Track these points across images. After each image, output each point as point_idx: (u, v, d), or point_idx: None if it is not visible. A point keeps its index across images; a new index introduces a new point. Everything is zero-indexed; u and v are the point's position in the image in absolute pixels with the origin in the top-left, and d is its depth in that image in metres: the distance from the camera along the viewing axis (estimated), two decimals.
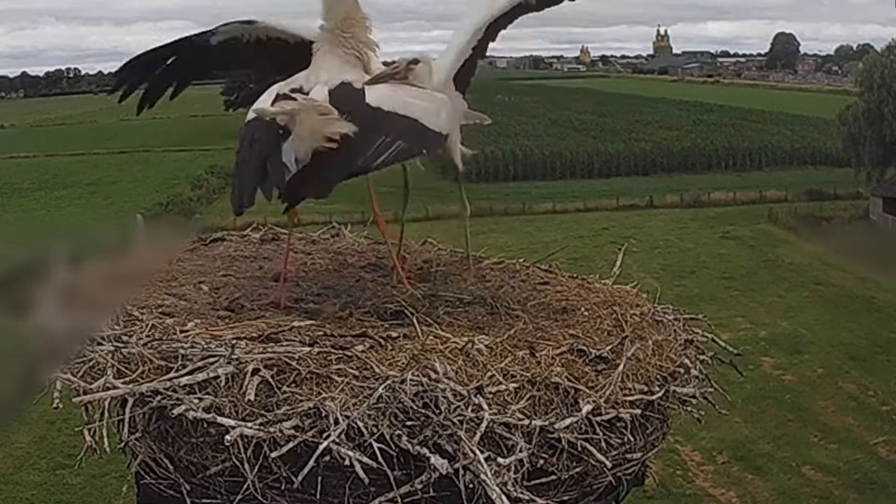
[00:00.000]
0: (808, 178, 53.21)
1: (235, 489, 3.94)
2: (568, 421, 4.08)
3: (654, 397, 4.53)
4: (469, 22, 5.02)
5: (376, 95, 4.53)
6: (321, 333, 4.37)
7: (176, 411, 3.93)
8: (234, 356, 4.02)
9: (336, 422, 3.80)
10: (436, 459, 3.79)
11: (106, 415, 4.04)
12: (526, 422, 3.98)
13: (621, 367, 4.40)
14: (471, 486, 3.79)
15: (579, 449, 4.13)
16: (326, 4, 4.77)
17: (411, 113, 4.54)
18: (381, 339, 4.34)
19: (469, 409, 3.86)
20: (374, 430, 3.82)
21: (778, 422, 21.72)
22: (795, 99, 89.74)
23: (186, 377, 4.01)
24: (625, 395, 4.35)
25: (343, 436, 3.79)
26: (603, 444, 4.20)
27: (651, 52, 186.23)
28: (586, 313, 5.09)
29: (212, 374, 4.00)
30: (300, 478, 3.82)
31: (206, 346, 4.15)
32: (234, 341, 4.17)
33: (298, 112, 4.26)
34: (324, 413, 3.84)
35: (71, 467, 17.83)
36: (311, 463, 3.77)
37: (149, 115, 4.83)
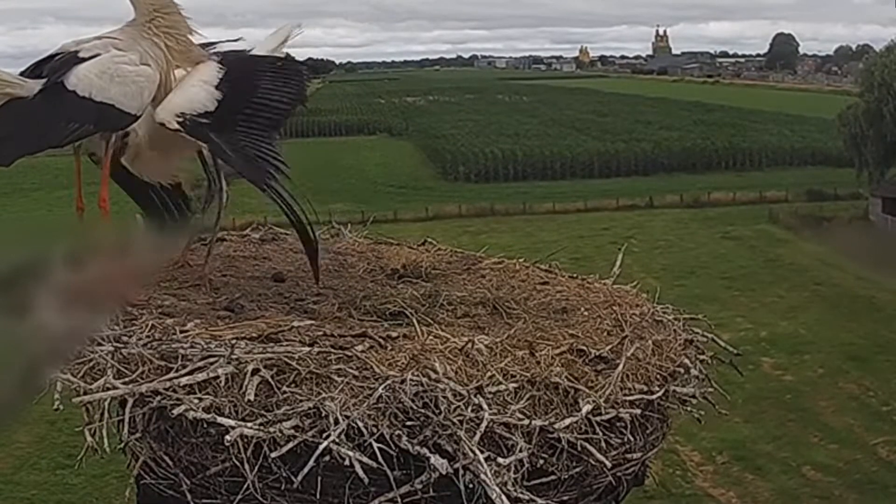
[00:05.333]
0: (807, 178, 53.18)
1: (235, 489, 3.95)
2: (568, 421, 4.08)
3: (653, 397, 4.53)
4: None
5: (78, 77, 4.67)
6: (321, 333, 4.38)
7: (176, 411, 3.93)
8: (233, 356, 4.03)
9: (336, 422, 3.81)
10: (436, 459, 3.80)
11: (106, 415, 4.05)
12: (526, 422, 3.99)
13: (621, 366, 4.40)
14: (471, 486, 3.79)
15: (579, 449, 4.13)
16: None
17: (107, 98, 4.71)
18: (381, 339, 4.35)
19: (469, 409, 3.87)
20: (374, 430, 3.82)
21: (778, 422, 21.71)
22: (796, 99, 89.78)
23: (186, 377, 4.02)
24: (625, 394, 4.35)
25: (343, 436, 3.79)
26: (603, 444, 4.20)
27: (650, 52, 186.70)
28: (586, 313, 5.09)
29: (212, 375, 4.01)
30: (300, 478, 3.83)
31: (205, 347, 4.15)
32: (233, 341, 4.18)
33: None
34: (324, 413, 3.85)
35: (71, 467, 17.82)
36: (311, 463, 3.78)
37: None
